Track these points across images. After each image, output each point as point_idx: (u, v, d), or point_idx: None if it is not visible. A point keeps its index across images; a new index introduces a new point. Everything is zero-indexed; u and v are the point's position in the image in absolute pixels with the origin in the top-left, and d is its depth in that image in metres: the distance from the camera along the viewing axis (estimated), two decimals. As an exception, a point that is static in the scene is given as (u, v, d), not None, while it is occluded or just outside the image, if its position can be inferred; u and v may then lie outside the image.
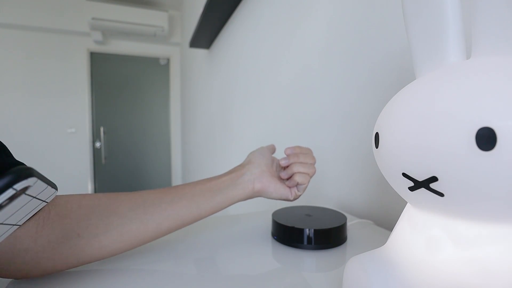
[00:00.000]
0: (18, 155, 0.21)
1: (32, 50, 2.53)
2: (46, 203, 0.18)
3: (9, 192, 0.14)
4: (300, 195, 0.41)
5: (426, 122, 0.15)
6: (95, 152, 2.86)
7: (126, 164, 2.97)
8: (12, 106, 2.48)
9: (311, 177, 0.41)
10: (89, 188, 2.77)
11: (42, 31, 2.54)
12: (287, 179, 0.41)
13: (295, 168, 0.40)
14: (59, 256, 0.26)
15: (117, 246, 0.29)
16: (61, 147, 2.66)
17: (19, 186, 0.14)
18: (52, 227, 0.25)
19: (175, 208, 0.33)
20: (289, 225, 0.35)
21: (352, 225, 0.42)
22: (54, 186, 0.17)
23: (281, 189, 0.39)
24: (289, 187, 0.40)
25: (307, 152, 0.42)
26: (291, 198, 0.40)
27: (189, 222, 0.34)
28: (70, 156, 2.70)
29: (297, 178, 0.39)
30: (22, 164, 0.15)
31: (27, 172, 0.14)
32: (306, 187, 0.41)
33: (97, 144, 2.85)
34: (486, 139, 0.12)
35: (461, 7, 0.17)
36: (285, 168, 0.41)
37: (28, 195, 0.15)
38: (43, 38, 2.56)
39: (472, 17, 0.15)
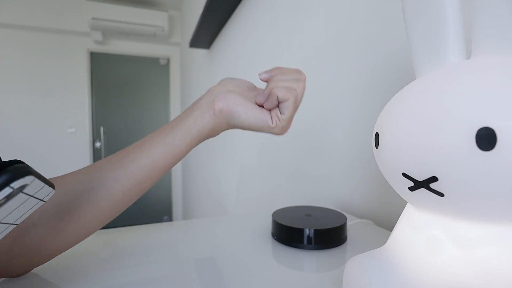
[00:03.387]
0: (18, 155, 0.22)
1: (32, 50, 2.53)
2: (43, 202, 0.18)
3: (6, 191, 0.14)
4: (286, 122, 0.31)
5: (426, 122, 0.15)
6: (95, 152, 2.86)
7: (126, 164, 2.97)
8: (12, 106, 2.48)
9: (299, 94, 0.31)
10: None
11: (42, 31, 2.54)
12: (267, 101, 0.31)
13: (274, 83, 0.31)
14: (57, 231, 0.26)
15: (91, 225, 0.28)
16: (61, 147, 2.66)
17: (16, 184, 0.14)
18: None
19: (146, 152, 0.30)
20: (289, 225, 0.35)
21: (352, 225, 0.42)
22: (51, 185, 0.17)
23: (255, 111, 0.31)
24: (270, 110, 0.31)
25: (293, 71, 0.33)
26: (272, 124, 0.31)
27: (150, 175, 0.31)
28: (70, 156, 2.70)
29: (277, 92, 0.30)
30: (21, 162, 0.15)
31: (25, 171, 0.14)
32: (292, 108, 0.31)
33: (97, 144, 2.85)
34: (486, 139, 0.12)
35: (461, 7, 0.17)
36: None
37: (25, 193, 0.15)
38: (43, 38, 2.56)
39: (472, 17, 0.15)
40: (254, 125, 0.31)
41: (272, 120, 0.31)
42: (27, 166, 0.14)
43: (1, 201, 0.14)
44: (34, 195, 0.16)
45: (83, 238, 0.29)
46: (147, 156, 0.30)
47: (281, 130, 0.32)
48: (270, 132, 0.32)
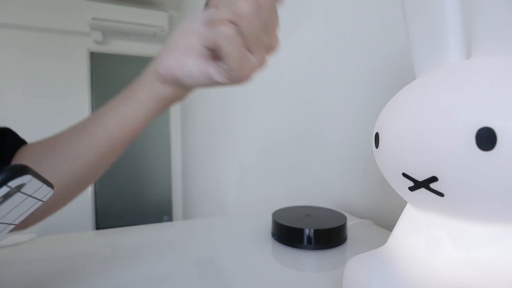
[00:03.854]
0: (18, 155, 0.22)
1: (32, 50, 2.52)
2: (42, 202, 0.18)
3: (4, 190, 0.14)
4: (238, 73, 0.24)
5: (426, 122, 0.15)
6: (95, 152, 2.85)
7: (126, 164, 2.97)
8: (12, 106, 2.48)
9: (254, 35, 0.24)
10: (89, 188, 2.77)
11: (42, 31, 2.54)
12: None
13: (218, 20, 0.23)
14: None
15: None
16: (61, 147, 2.65)
17: (13, 183, 0.14)
18: None
19: (102, 125, 0.29)
20: (289, 225, 0.35)
21: (352, 225, 0.42)
22: (50, 184, 0.17)
23: (198, 69, 0.25)
24: (215, 60, 0.25)
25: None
26: (220, 80, 0.25)
27: (111, 149, 0.30)
28: (70, 156, 2.69)
29: (204, 41, 0.24)
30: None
31: (22, 170, 0.14)
32: (232, 57, 0.23)
33: (97, 144, 2.85)
34: (486, 139, 0.12)
35: (461, 7, 0.17)
36: None
37: (23, 193, 0.15)
38: (43, 38, 2.55)
39: (472, 17, 0.15)
40: (203, 84, 0.27)
41: (214, 70, 0.25)
42: (25, 165, 0.14)
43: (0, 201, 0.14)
44: (32, 195, 0.16)
45: (52, 213, 0.30)
46: (103, 130, 0.29)
47: (239, 80, 0.25)
48: (229, 85, 0.27)
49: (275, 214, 0.39)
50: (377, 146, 0.18)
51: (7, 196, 0.14)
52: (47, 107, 2.60)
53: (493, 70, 0.14)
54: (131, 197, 2.99)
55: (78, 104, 2.71)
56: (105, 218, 2.88)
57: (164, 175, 3.13)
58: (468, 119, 0.13)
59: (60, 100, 2.65)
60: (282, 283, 0.26)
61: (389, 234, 0.21)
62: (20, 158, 0.29)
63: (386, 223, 0.44)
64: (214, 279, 0.27)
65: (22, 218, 0.18)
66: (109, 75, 2.87)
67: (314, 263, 0.31)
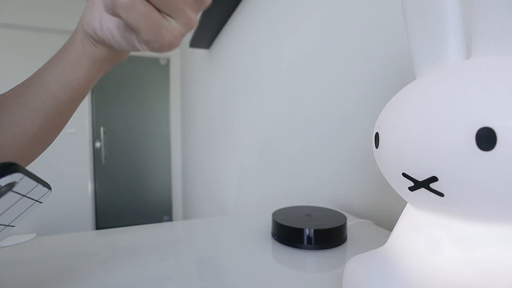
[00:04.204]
0: (18, 155, 0.22)
1: (32, 50, 2.53)
2: (40, 203, 0.18)
3: None
4: (155, 44, 0.21)
5: (426, 122, 0.15)
6: (95, 152, 2.86)
7: (126, 164, 2.97)
8: (12, 106, 2.47)
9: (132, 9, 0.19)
10: (89, 188, 2.77)
11: (42, 31, 2.54)
12: None
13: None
14: None
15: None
16: (61, 147, 2.66)
17: (2, 181, 0.14)
18: None
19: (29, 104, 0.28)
20: (289, 225, 0.35)
21: (352, 225, 0.42)
22: (46, 185, 0.17)
23: (115, 27, 0.23)
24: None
25: None
26: (141, 48, 0.23)
27: (59, 110, 0.29)
28: (70, 156, 2.70)
29: (117, 7, 0.19)
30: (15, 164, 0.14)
31: (11, 168, 0.14)
32: (141, 26, 0.20)
33: (97, 144, 2.85)
34: (486, 139, 0.12)
35: (461, 7, 0.17)
36: None
37: (16, 192, 0.15)
38: (43, 38, 2.56)
39: (472, 17, 0.15)
40: (128, 49, 0.25)
41: (137, 44, 0.23)
42: (15, 164, 0.14)
43: None
44: (27, 195, 0.16)
45: None
46: (45, 91, 0.27)
47: (161, 49, 0.22)
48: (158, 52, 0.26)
49: (275, 214, 0.39)
50: (377, 146, 0.18)
51: None
52: (47, 107, 2.60)
53: (493, 70, 0.14)
54: (131, 197, 3.00)
55: (78, 104, 2.71)
56: (105, 218, 2.89)
57: (164, 175, 3.13)
58: (468, 119, 0.13)
59: (60, 100, 2.64)
60: (282, 283, 0.26)
61: (389, 234, 0.21)
62: None
63: (386, 223, 0.44)
64: (214, 279, 0.27)
65: (21, 220, 0.17)
66: (109, 75, 2.87)
67: (314, 263, 0.31)
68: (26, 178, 0.15)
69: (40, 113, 0.28)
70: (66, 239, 0.38)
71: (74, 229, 2.69)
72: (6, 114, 0.28)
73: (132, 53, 2.88)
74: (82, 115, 2.73)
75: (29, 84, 0.29)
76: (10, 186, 0.14)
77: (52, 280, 0.27)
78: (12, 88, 0.30)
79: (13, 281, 0.27)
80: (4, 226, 0.17)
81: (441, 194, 0.15)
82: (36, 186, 0.16)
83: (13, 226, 0.18)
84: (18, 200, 0.16)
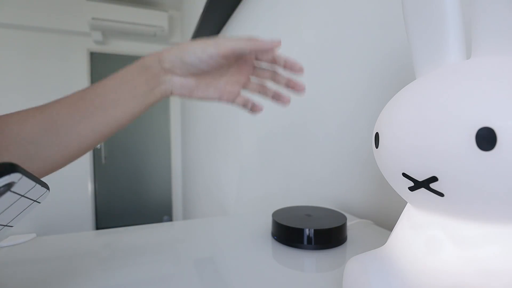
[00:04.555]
0: (18, 155, 0.22)
1: (32, 50, 2.53)
2: (38, 203, 0.18)
3: None
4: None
5: (426, 122, 0.15)
6: (95, 152, 2.86)
7: (126, 164, 2.97)
8: (12, 106, 2.46)
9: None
10: (89, 188, 2.77)
11: (42, 31, 2.54)
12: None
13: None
14: None
15: (43, 171, 0.29)
16: (61, 147, 2.65)
17: (1, 181, 0.14)
18: None
19: (89, 124, 0.30)
20: (289, 225, 0.35)
21: (352, 225, 0.42)
22: (45, 185, 0.17)
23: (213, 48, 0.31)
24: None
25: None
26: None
27: (108, 134, 0.32)
28: (70, 156, 2.69)
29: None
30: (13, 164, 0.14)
31: (10, 168, 0.14)
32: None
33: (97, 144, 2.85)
34: (486, 139, 0.12)
35: (461, 7, 0.17)
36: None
37: (14, 192, 0.15)
38: (43, 38, 2.55)
39: (472, 17, 0.15)
40: (207, 66, 0.32)
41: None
42: (14, 164, 0.14)
43: None
44: (25, 195, 0.16)
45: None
46: (92, 126, 0.30)
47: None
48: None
49: (275, 214, 0.39)
50: (377, 146, 0.18)
51: None
52: (47, 107, 2.60)
53: (493, 70, 0.14)
54: (131, 197, 2.99)
55: (78, 104, 2.70)
56: (105, 218, 2.88)
57: (164, 175, 3.13)
58: (468, 119, 0.13)
59: (60, 100, 2.64)
60: (282, 283, 0.26)
61: (389, 234, 0.21)
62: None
63: (386, 223, 0.44)
64: (214, 279, 0.27)
65: (19, 220, 0.17)
66: (109, 75, 2.87)
67: (314, 263, 0.31)
68: (25, 178, 0.15)
69: (83, 140, 0.30)
70: (66, 239, 0.38)
71: (74, 229, 2.69)
72: (53, 134, 0.29)
73: (132, 53, 2.88)
74: (82, 115, 2.73)
75: (69, 118, 0.30)
76: (9, 186, 0.14)
77: (52, 280, 0.27)
78: (57, 110, 0.30)
79: (13, 281, 0.27)
80: (3, 226, 0.17)
81: (441, 194, 0.15)
82: (35, 186, 0.16)
83: (11, 226, 0.18)
84: (17, 200, 0.16)
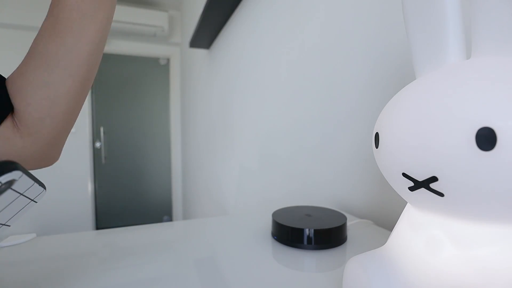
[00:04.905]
0: (18, 155, 0.22)
1: (32, 50, 2.52)
2: (35, 203, 0.18)
3: None
4: None
5: (426, 122, 0.15)
6: (95, 152, 2.86)
7: (126, 164, 2.97)
8: (12, 106, 2.47)
9: None
10: (89, 188, 2.77)
11: (42, 31, 2.53)
12: None
13: None
14: None
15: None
16: (61, 147, 2.65)
17: (3, 179, 0.14)
18: None
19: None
20: (289, 225, 0.35)
21: (352, 225, 0.42)
22: (41, 184, 0.17)
23: None
24: None
25: None
26: None
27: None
28: (70, 156, 2.70)
29: None
30: (14, 162, 0.15)
31: (12, 166, 0.14)
32: None
33: (97, 144, 2.85)
34: (486, 139, 0.12)
35: (461, 7, 0.17)
36: None
37: (14, 190, 0.15)
38: (43, 38, 2.55)
39: (472, 17, 0.15)
40: None
41: None
42: (15, 162, 0.14)
43: None
44: (24, 193, 0.16)
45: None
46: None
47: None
48: None
49: (275, 214, 0.39)
50: (377, 146, 0.18)
51: None
52: (47, 107, 2.60)
53: (493, 70, 0.14)
54: (131, 197, 3.00)
55: (78, 104, 2.70)
56: (105, 218, 2.89)
57: (164, 175, 3.13)
58: (468, 119, 0.13)
59: (60, 100, 2.64)
60: (282, 283, 0.26)
61: (389, 234, 0.21)
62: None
63: (386, 223, 0.44)
64: (214, 279, 0.27)
65: (16, 219, 0.17)
66: (109, 75, 2.87)
67: (314, 263, 0.31)
68: (24, 177, 0.15)
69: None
70: (66, 239, 0.38)
71: (74, 229, 2.69)
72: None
73: (132, 53, 2.88)
74: (82, 115, 2.73)
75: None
76: (10, 184, 0.14)
77: (52, 280, 0.27)
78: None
79: (13, 281, 0.27)
80: (1, 225, 0.17)
81: (441, 194, 0.15)
82: (33, 185, 0.16)
83: (9, 226, 0.18)
84: (16, 199, 0.16)
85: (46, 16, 0.30)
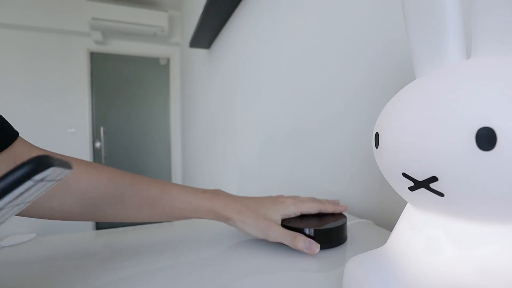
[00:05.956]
0: (18, 155, 0.22)
1: (32, 50, 2.53)
2: (58, 182, 0.17)
3: (28, 184, 0.13)
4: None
5: (426, 122, 0.15)
6: (95, 152, 2.86)
7: (126, 164, 2.97)
8: (12, 106, 2.48)
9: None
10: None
11: (42, 31, 2.54)
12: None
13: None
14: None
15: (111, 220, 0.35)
16: (61, 147, 2.66)
17: (38, 177, 0.13)
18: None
19: (171, 208, 0.36)
20: (289, 225, 0.35)
21: (352, 225, 0.42)
22: (68, 166, 0.17)
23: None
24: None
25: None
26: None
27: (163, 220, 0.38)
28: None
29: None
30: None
31: (47, 162, 0.13)
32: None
33: (97, 144, 2.85)
34: (486, 139, 0.12)
35: (461, 7, 0.17)
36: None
37: (46, 181, 0.15)
38: (43, 38, 2.56)
39: (472, 17, 0.15)
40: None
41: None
42: (50, 157, 0.13)
43: (21, 193, 0.13)
44: (51, 179, 0.16)
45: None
46: (172, 208, 0.36)
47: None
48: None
49: (275, 214, 0.39)
50: (377, 146, 0.18)
51: (29, 188, 0.14)
52: (47, 107, 2.60)
53: (493, 70, 0.14)
54: (131, 197, 2.99)
55: (78, 104, 2.71)
56: (105, 218, 2.88)
57: (164, 175, 3.13)
58: (468, 119, 0.13)
59: (60, 100, 2.65)
60: (282, 283, 0.26)
61: (389, 234, 0.21)
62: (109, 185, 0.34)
63: (386, 223, 0.44)
64: (214, 279, 0.27)
65: (36, 198, 0.17)
66: (109, 75, 2.87)
67: (314, 263, 0.31)
68: (57, 169, 0.14)
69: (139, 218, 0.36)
70: (66, 239, 0.38)
71: (74, 229, 2.69)
72: (119, 205, 0.34)
73: (132, 53, 2.88)
74: (82, 115, 2.73)
75: (147, 203, 0.35)
76: (43, 178, 0.14)
77: (52, 280, 0.27)
78: (139, 187, 0.35)
79: (13, 281, 0.27)
80: (22, 206, 0.16)
81: (441, 194, 0.15)
82: (62, 172, 0.16)
83: (29, 202, 0.17)
84: (43, 186, 0.16)
85: None
